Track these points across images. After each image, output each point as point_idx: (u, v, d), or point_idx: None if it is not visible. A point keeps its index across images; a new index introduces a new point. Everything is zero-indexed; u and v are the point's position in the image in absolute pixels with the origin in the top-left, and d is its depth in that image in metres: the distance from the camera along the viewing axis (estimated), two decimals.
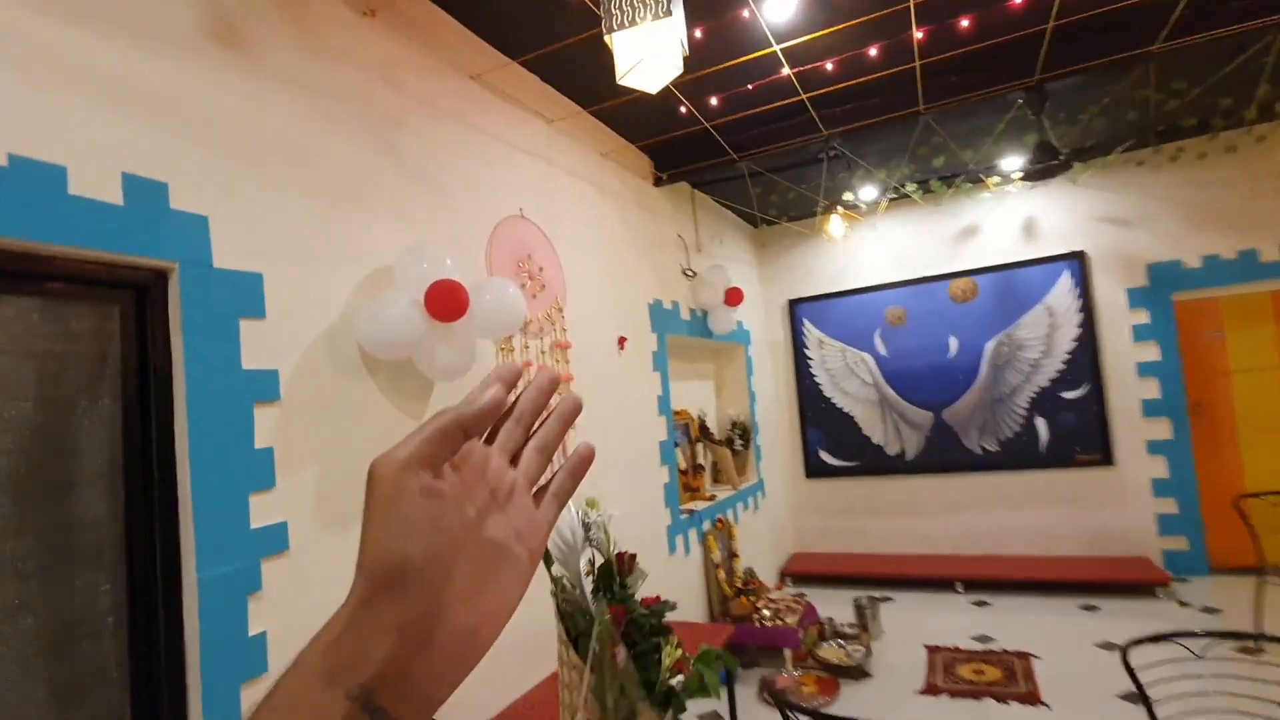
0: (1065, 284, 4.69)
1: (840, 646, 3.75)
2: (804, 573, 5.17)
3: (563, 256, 2.90)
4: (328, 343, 1.80)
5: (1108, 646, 3.55)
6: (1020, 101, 3.14)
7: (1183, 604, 3.99)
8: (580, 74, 2.75)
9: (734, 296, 4.29)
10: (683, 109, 2.88)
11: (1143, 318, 4.48)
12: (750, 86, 2.76)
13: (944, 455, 5.12)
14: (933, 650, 3.74)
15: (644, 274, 3.67)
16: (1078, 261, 4.65)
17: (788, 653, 3.65)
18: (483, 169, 2.52)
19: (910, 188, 4.29)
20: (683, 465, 4.23)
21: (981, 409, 4.99)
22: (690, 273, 4.22)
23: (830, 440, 5.58)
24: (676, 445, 4.19)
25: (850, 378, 5.50)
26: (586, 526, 1.25)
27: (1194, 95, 3.31)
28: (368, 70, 2.05)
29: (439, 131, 2.33)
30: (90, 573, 1.36)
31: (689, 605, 3.69)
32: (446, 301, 1.86)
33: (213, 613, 1.45)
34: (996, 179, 4.18)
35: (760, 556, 4.85)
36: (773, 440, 5.51)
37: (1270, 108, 3.70)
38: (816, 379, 5.64)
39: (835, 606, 4.31)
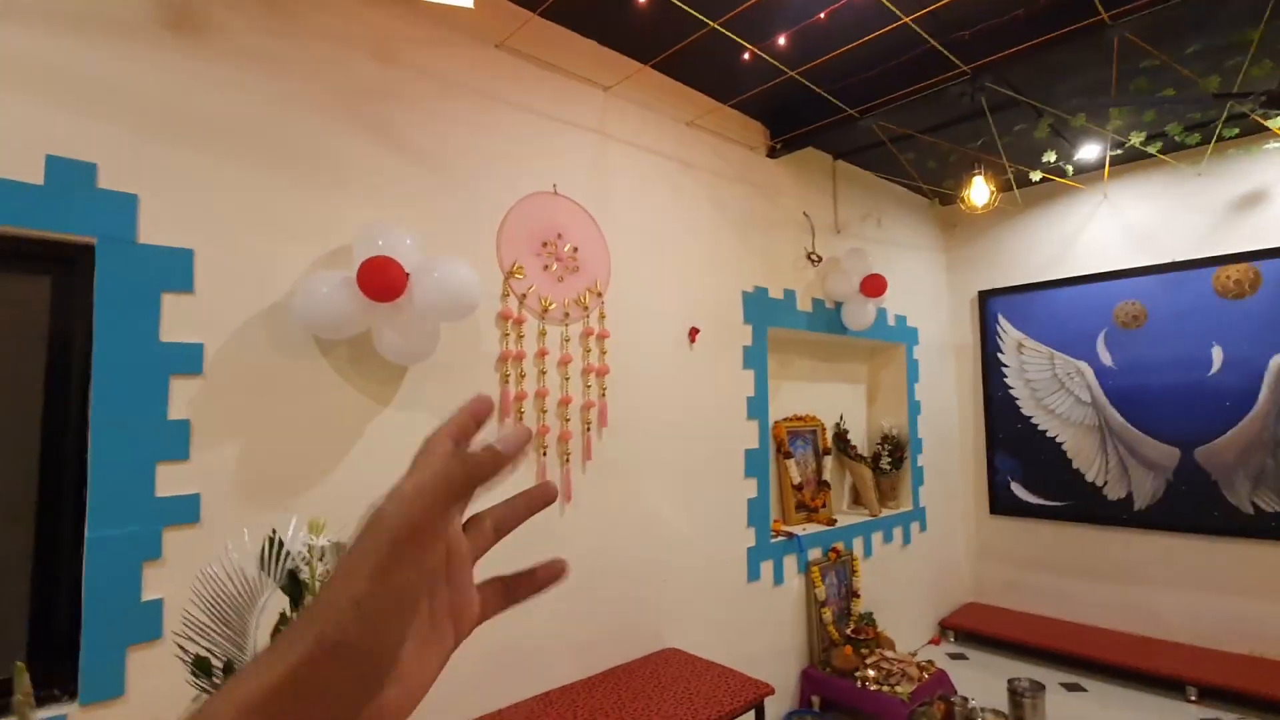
0: None
1: None
2: (974, 630, 4.19)
3: (611, 237, 2.63)
4: (270, 319, 1.79)
5: None
6: None
7: None
8: (632, 23, 2.44)
9: (874, 285, 3.57)
10: (745, 55, 2.39)
11: None
12: (823, 15, 2.17)
13: (1193, 509, 3.73)
14: None
15: (742, 258, 3.21)
16: None
17: None
18: (508, 144, 2.36)
19: (1135, 138, 3.12)
20: (797, 479, 3.66)
21: (1258, 450, 3.51)
22: (815, 257, 3.61)
23: (1027, 470, 4.43)
24: (789, 456, 3.65)
25: (1059, 393, 4.29)
26: (287, 559, 0.97)
27: None
28: (352, 45, 2.01)
29: (450, 106, 2.22)
30: (5, 525, 1.50)
31: (773, 646, 3.17)
32: (377, 279, 1.74)
33: (101, 573, 1.51)
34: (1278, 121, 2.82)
35: (906, 601, 4.03)
36: (945, 463, 4.55)
37: None
38: (1012, 392, 4.51)
39: (998, 680, 3.38)
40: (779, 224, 3.45)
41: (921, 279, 4.51)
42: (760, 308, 3.27)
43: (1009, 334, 4.54)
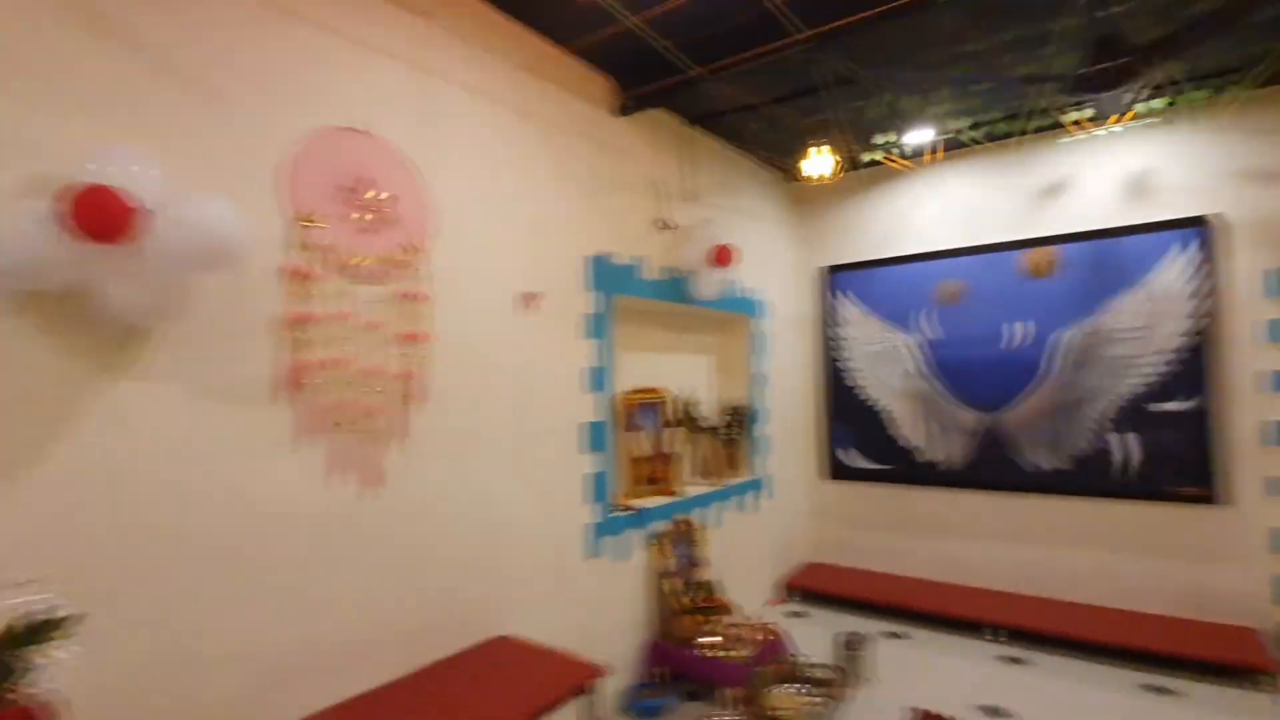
0: (1177, 261, 3.51)
1: (801, 693, 3.03)
2: (813, 589, 4.39)
3: (435, 189, 2.35)
4: None
5: None
6: None
7: None
8: None
9: (723, 256, 3.55)
10: None
11: None
12: None
13: (995, 469, 4.12)
14: (920, 717, 2.93)
15: (586, 221, 3.03)
16: (1197, 231, 3.45)
17: (728, 693, 2.99)
18: (300, 67, 2.00)
19: (960, 124, 3.30)
20: (643, 452, 3.60)
21: (1049, 416, 3.92)
22: (665, 224, 3.52)
23: (860, 438, 4.70)
24: (635, 429, 3.57)
25: (889, 364, 4.56)
26: None
27: None
28: None
29: (222, 14, 1.83)
30: None
31: (618, 623, 3.11)
32: (97, 215, 1.37)
33: None
34: (1074, 116, 3.08)
35: (751, 566, 4.15)
36: (789, 432, 4.71)
37: None
38: (851, 364, 4.74)
39: (834, 634, 3.54)
40: (627, 187, 3.31)
41: (772, 252, 4.59)
42: (605, 274, 3.12)
43: (849, 308, 4.75)
